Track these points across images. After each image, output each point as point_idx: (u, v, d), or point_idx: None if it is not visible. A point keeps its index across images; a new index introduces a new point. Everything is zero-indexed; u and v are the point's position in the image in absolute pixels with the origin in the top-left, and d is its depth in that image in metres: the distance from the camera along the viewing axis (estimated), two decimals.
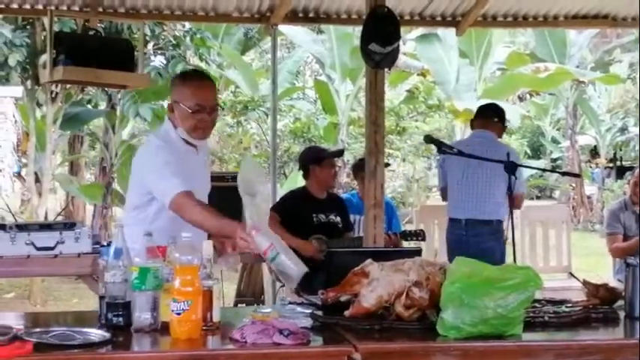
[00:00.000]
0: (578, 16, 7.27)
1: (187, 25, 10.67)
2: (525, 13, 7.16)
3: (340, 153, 6.15)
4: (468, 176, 6.14)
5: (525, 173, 6.36)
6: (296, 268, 3.51)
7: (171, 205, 3.70)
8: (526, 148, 19.74)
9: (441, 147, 5.24)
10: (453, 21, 7.18)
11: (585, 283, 4.01)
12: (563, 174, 5.75)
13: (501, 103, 14.13)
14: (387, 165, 7.29)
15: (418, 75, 16.58)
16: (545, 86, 16.40)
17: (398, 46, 5.86)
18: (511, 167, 5.16)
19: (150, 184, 3.86)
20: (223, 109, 14.46)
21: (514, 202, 5.71)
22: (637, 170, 7.03)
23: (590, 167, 23.99)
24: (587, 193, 20.74)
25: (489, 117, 6.45)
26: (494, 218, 6.19)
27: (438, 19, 7.18)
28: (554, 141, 27.06)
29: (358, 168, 6.63)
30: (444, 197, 6.57)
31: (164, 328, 3.08)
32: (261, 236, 3.44)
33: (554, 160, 28.02)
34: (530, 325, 3.48)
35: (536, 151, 29.13)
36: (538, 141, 29.17)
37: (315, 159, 6.14)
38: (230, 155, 16.32)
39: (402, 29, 11.97)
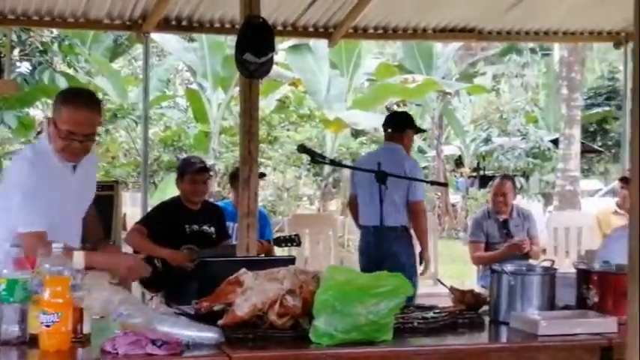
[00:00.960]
0: (446, 29, 7.47)
1: (55, 31, 10.41)
2: (395, 25, 7.31)
3: (204, 169, 6.09)
4: (373, 185, 6.26)
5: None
6: None
7: (17, 239, 3.44)
8: None
9: (314, 156, 5.30)
10: (325, 32, 7.27)
11: (452, 289, 4.13)
12: (432, 183, 5.95)
13: (370, 114, 14.50)
14: (263, 175, 7.32)
15: (289, 85, 16.69)
16: (413, 96, 16.80)
17: (272, 56, 5.90)
18: (381, 176, 5.25)
19: (12, 204, 3.73)
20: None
21: (411, 209, 6.27)
22: (496, 180, 7.27)
23: (455, 176, 24.66)
24: (451, 201, 21.30)
25: (385, 130, 6.61)
26: (398, 224, 6.33)
27: (311, 30, 7.25)
28: (421, 151, 27.69)
29: (235, 177, 6.64)
30: (351, 204, 6.71)
31: (32, 341, 3.01)
32: None
33: None
34: (400, 331, 3.56)
35: None
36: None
37: (180, 172, 6.12)
38: (99, 164, 16.00)
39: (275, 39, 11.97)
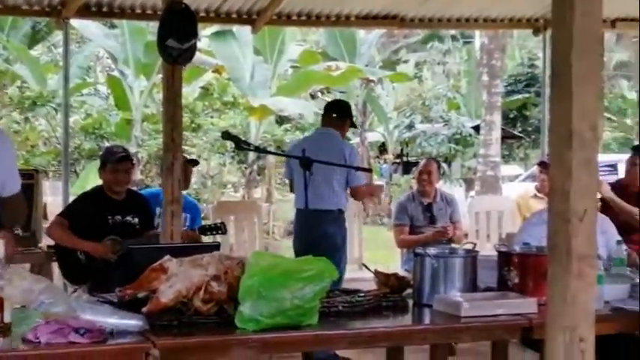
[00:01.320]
0: (369, 16, 7.50)
1: None
2: (319, 12, 7.31)
3: (126, 158, 6.00)
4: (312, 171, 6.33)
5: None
6: None
7: None
8: None
9: (239, 143, 5.28)
10: (248, 19, 7.23)
11: (376, 273, 4.18)
12: (356, 169, 5.99)
13: (295, 100, 14.49)
14: (196, 163, 7.27)
15: (213, 72, 16.57)
16: (336, 83, 16.83)
17: (195, 42, 5.86)
18: (306, 163, 5.27)
19: None
20: None
21: (353, 194, 6.43)
22: (422, 161, 7.36)
23: (379, 163, 24.82)
24: None
25: (328, 114, 6.64)
26: (334, 208, 6.39)
27: (234, 16, 7.21)
28: (346, 137, 27.79)
29: None
30: (291, 188, 6.79)
31: None
32: None
33: None
34: (325, 315, 3.59)
35: None
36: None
37: (102, 162, 6.02)
38: (17, 153, 15.68)
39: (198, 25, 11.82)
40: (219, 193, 16.03)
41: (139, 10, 7.30)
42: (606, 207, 6.10)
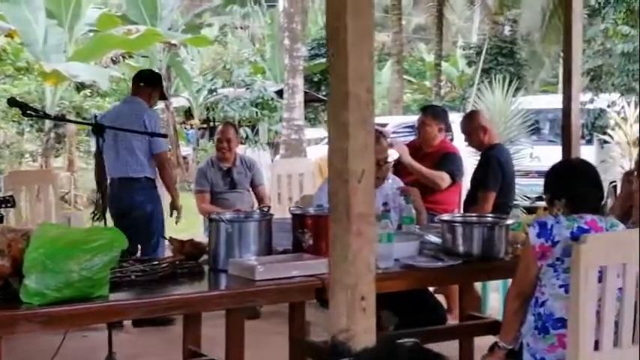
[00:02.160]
0: None
1: None
2: None
3: None
4: (117, 140, 6.24)
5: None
6: None
7: None
8: None
9: (26, 110, 5.09)
10: None
11: (171, 240, 4.13)
12: (151, 135, 5.88)
13: (89, 66, 14.02)
14: None
15: (6, 36, 15.79)
16: (135, 47, 16.43)
17: None
18: (97, 128, 5.15)
19: None
20: None
21: (155, 161, 6.40)
22: (219, 127, 7.36)
23: (185, 128, 24.57)
24: (183, 153, 21.23)
25: (136, 82, 6.64)
26: (141, 175, 6.36)
27: None
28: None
29: None
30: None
31: None
32: None
33: None
34: (117, 285, 3.52)
35: None
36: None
37: None
38: None
39: None
40: (17, 163, 15.38)
41: None
42: (407, 171, 6.32)
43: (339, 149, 2.36)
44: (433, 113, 6.60)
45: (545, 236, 3.57)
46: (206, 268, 4.01)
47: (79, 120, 4.89)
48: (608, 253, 3.47)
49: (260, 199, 7.20)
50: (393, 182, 5.00)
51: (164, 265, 3.84)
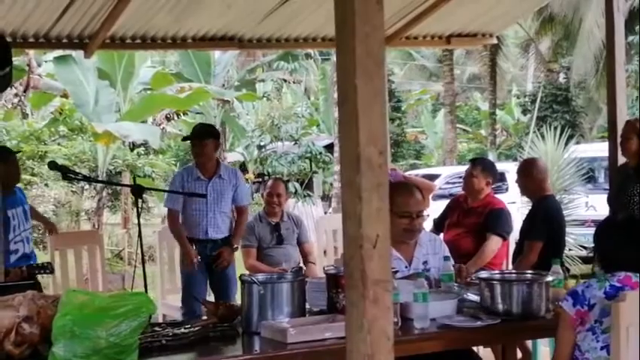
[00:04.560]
0: (206, 37, 7.39)
1: None
2: (153, 35, 7.13)
3: None
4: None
5: None
6: None
7: None
8: (174, 167, 19.95)
9: (66, 173, 5.16)
10: (80, 43, 7.00)
11: (204, 302, 4.10)
12: (190, 195, 5.90)
13: (140, 125, 14.20)
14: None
15: (61, 97, 16.15)
16: (186, 105, 16.68)
17: (10, 70, 5.65)
18: (137, 190, 5.17)
19: None
20: None
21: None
22: (269, 181, 7.34)
23: None
24: None
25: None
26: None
27: (65, 41, 6.96)
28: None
29: None
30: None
31: None
32: None
33: None
34: (148, 351, 3.49)
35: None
36: (191, 159, 29.58)
37: None
38: None
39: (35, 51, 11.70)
40: (74, 221, 15.59)
41: None
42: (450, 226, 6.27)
43: (353, 214, 2.31)
44: (482, 165, 6.49)
45: (580, 302, 3.48)
46: (240, 330, 3.96)
47: (117, 182, 4.97)
48: None
49: (305, 255, 7.16)
50: (434, 243, 4.91)
51: (196, 328, 3.80)
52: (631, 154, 5.83)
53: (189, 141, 6.76)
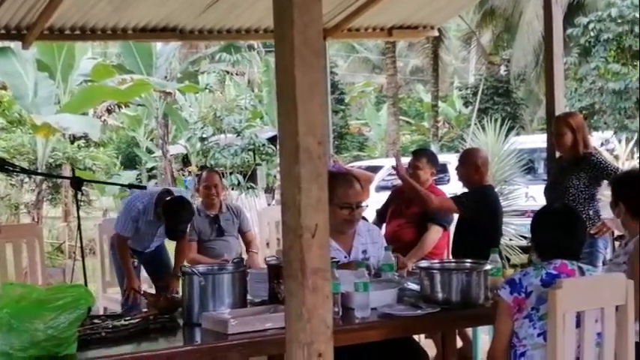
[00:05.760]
0: (147, 29, 7.30)
1: None
2: (93, 26, 7.02)
3: None
4: None
5: None
6: None
7: None
8: (115, 160, 19.75)
9: (3, 165, 5.09)
10: (18, 34, 6.88)
11: (145, 294, 4.08)
12: (129, 187, 5.85)
13: (79, 117, 14.04)
14: None
15: (0, 89, 15.88)
16: (126, 97, 16.54)
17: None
18: (76, 182, 5.12)
19: None
20: None
21: None
22: (204, 174, 7.28)
23: (183, 175, 24.61)
24: None
25: None
26: None
27: (2, 32, 6.82)
28: (149, 151, 27.43)
29: None
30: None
31: None
32: None
33: (149, 170, 28.42)
34: (87, 343, 3.46)
35: (132, 162, 29.38)
36: (133, 152, 29.40)
37: None
38: None
39: None
40: (13, 215, 15.35)
41: None
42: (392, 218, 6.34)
43: (292, 204, 2.32)
44: (427, 157, 6.53)
45: (517, 290, 3.54)
46: (181, 322, 3.95)
47: (56, 174, 4.91)
48: (585, 297, 3.41)
49: (247, 244, 7.14)
50: (372, 232, 4.94)
51: (136, 320, 3.77)
52: (566, 148, 5.94)
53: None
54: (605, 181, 5.75)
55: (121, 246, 6.39)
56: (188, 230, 6.83)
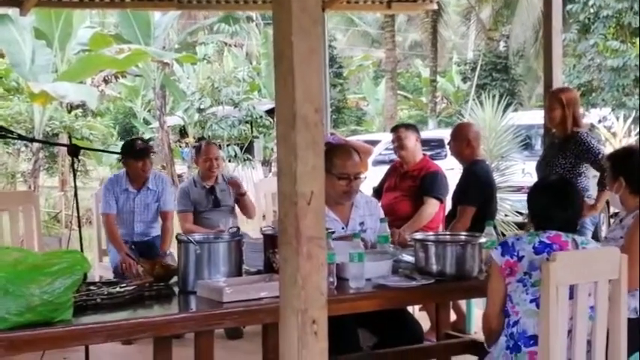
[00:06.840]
0: None
1: None
2: None
3: None
4: None
5: None
6: None
7: None
8: (112, 130, 19.69)
9: (1, 132, 5.08)
10: (15, 1, 6.86)
11: (140, 262, 4.09)
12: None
13: (77, 86, 13.97)
14: None
15: None
16: (124, 66, 16.46)
17: None
18: (73, 149, 5.11)
19: None
20: None
21: None
22: (203, 146, 7.28)
23: (180, 147, 24.55)
24: (178, 172, 21.21)
25: None
26: None
27: None
28: (146, 122, 27.37)
29: None
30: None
31: None
32: None
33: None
34: (82, 309, 3.48)
35: (129, 133, 29.34)
36: (130, 122, 29.36)
37: None
38: None
39: None
40: (9, 183, 15.35)
41: None
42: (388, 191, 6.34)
43: (288, 171, 2.33)
44: (404, 126, 6.66)
45: (509, 253, 3.56)
46: (176, 290, 3.97)
47: (53, 142, 4.88)
48: (578, 271, 3.42)
49: (243, 208, 7.16)
50: (370, 204, 4.96)
51: (132, 287, 3.79)
52: (555, 124, 5.97)
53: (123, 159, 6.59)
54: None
55: (107, 225, 6.55)
56: (182, 199, 6.89)
